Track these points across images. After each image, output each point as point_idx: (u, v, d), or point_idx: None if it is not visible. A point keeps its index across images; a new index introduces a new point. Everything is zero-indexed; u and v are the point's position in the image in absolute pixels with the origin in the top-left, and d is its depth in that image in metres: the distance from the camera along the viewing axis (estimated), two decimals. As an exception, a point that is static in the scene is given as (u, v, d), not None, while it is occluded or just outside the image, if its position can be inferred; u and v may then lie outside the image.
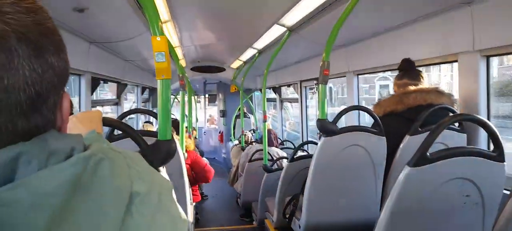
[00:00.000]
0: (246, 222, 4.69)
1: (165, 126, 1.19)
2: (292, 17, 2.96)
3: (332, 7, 2.51)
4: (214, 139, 8.90)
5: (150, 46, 3.37)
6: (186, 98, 5.11)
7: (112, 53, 3.73)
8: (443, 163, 1.30)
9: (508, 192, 1.50)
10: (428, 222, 1.41)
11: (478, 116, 1.34)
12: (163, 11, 2.80)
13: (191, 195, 3.27)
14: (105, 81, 3.79)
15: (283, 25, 3.22)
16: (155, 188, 0.52)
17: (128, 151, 0.55)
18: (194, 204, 3.75)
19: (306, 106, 5.18)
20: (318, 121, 2.10)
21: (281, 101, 6.31)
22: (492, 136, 1.33)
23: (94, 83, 3.39)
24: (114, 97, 4.53)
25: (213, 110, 9.27)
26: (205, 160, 3.84)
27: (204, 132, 9.02)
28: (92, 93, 3.38)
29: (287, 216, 2.66)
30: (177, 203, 0.61)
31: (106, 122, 1.11)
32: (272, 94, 6.64)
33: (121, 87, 4.48)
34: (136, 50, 3.77)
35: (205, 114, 9.21)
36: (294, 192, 2.78)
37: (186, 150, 3.63)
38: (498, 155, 1.33)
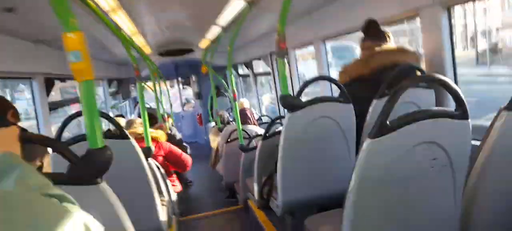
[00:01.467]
0: (232, 203, 4.65)
1: (94, 132, 1.06)
2: (249, -11, 2.80)
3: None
4: (193, 122, 8.74)
5: (104, 36, 3.13)
6: (154, 86, 4.93)
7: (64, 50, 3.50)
8: (405, 130, 1.23)
9: (478, 142, 1.46)
10: (398, 189, 1.35)
11: (437, 76, 1.26)
12: (109, -1, 2.60)
13: (167, 188, 3.16)
14: (62, 80, 3.56)
15: (241, -1, 3.06)
16: None
17: None
18: (175, 194, 3.65)
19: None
20: (281, 97, 2.00)
21: (255, 75, 6.18)
22: (454, 95, 1.25)
23: (49, 84, 3.18)
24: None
25: (189, 93, 9.07)
26: (179, 151, 3.69)
27: (182, 116, 8.84)
28: (48, 95, 3.18)
29: (265, 196, 2.60)
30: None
31: (25, 138, 0.97)
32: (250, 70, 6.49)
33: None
34: (90, 43, 3.54)
35: (180, 98, 8.99)
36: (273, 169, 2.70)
37: (157, 141, 3.48)
38: (461, 113, 1.26)
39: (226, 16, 3.84)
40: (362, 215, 1.36)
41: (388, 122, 1.22)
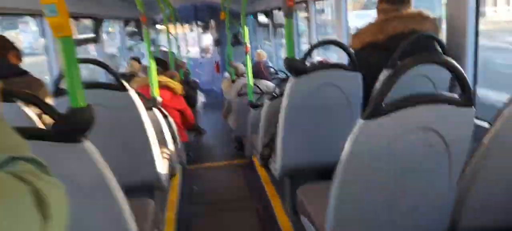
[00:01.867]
0: (241, 156, 4.70)
1: (75, 91, 1.04)
2: None
3: None
4: (211, 69, 8.67)
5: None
6: (167, 30, 4.82)
7: None
8: (401, 113, 1.15)
9: (487, 124, 1.35)
10: (388, 173, 1.30)
11: (443, 56, 1.15)
12: None
13: (174, 138, 3.18)
14: (75, 18, 3.53)
15: None
16: None
17: None
18: (181, 143, 3.68)
19: (298, 32, 4.87)
20: (286, 59, 1.91)
21: (274, 26, 5.97)
22: (459, 78, 1.15)
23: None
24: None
25: (208, 39, 8.90)
26: (190, 113, 3.67)
27: (200, 63, 8.76)
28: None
29: (266, 157, 2.60)
30: None
31: (7, 93, 0.97)
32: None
33: (98, 23, 4.22)
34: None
35: (199, 44, 8.87)
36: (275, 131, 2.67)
37: (173, 93, 3.41)
38: (465, 99, 1.16)
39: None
40: (349, 194, 1.32)
41: (383, 104, 1.14)
